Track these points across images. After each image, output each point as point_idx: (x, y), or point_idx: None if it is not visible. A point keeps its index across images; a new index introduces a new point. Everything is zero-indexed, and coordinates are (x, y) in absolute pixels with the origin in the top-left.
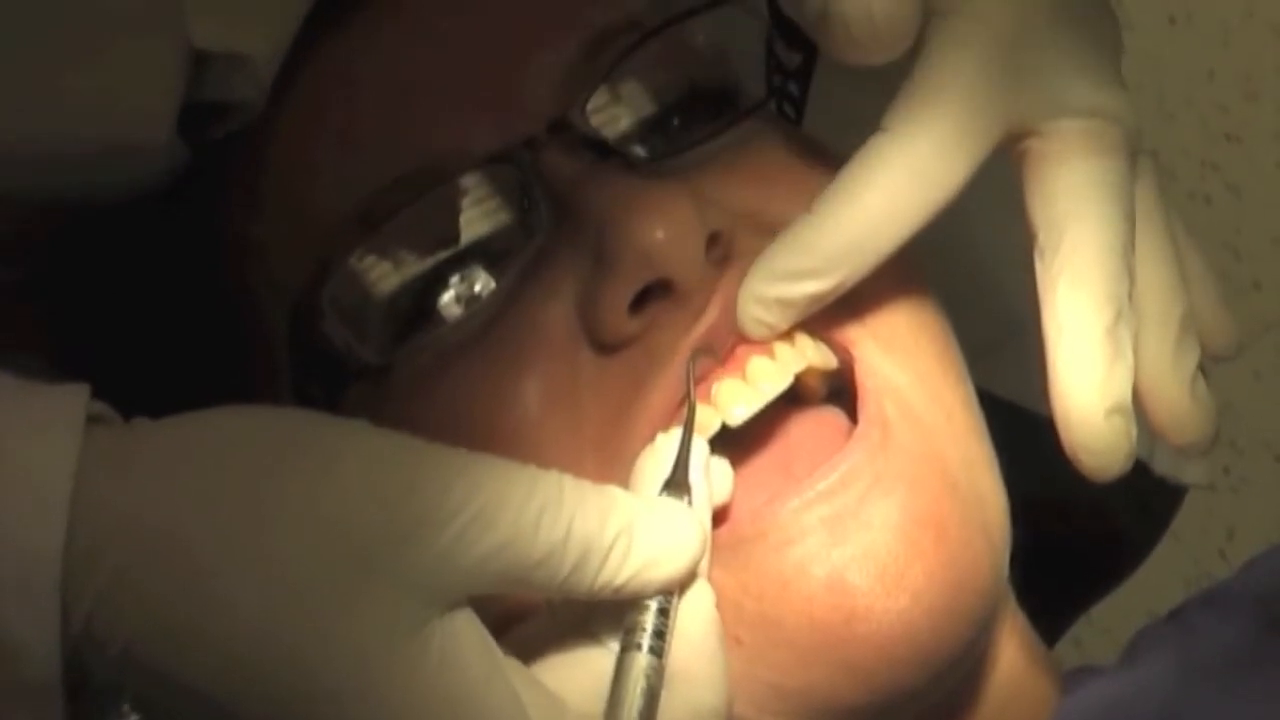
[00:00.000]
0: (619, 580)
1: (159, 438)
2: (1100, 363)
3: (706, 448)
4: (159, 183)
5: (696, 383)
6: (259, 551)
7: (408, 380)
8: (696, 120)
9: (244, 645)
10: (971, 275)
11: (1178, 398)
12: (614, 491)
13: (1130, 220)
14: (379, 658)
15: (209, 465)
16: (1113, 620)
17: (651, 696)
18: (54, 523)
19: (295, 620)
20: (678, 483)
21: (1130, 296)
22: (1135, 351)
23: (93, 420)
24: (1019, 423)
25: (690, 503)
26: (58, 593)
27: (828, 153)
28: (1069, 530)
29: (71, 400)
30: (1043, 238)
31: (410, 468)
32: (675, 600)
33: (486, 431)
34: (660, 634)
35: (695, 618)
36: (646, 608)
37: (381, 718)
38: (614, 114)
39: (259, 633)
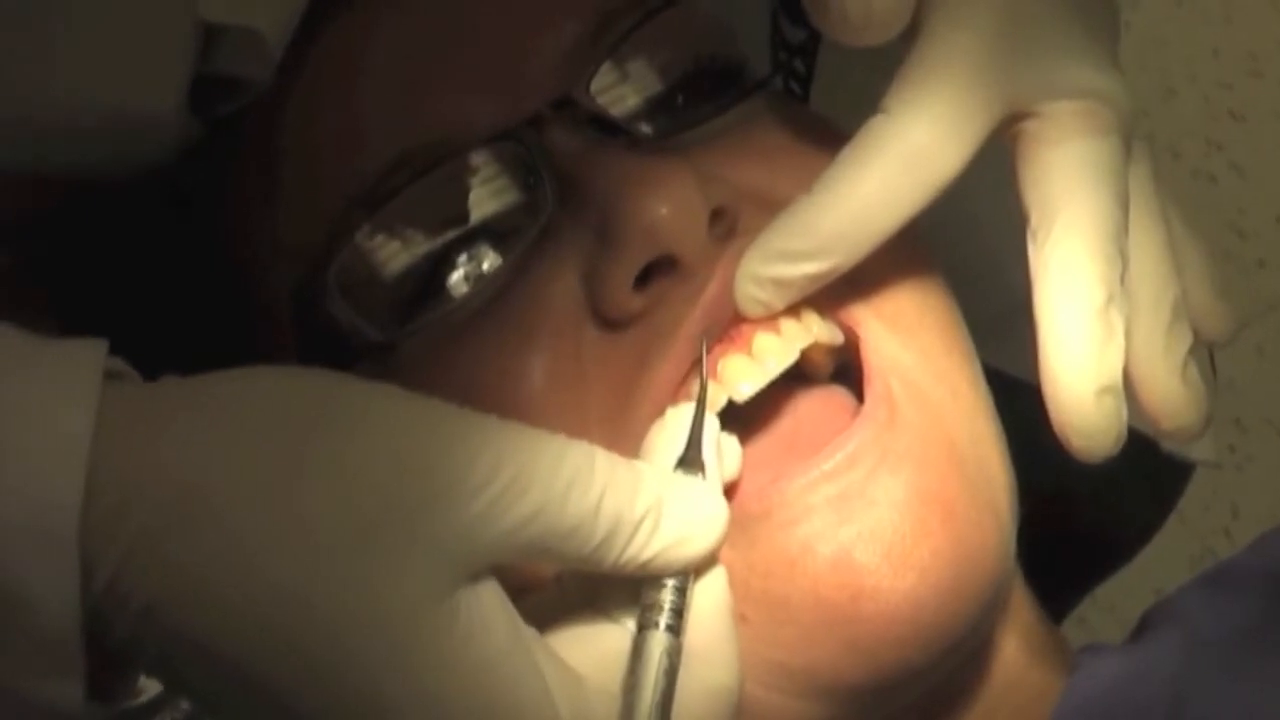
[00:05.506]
0: (644, 556)
1: (186, 395)
2: (1091, 343)
3: (718, 424)
4: (170, 157)
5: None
6: (289, 514)
7: (413, 358)
8: (702, 97)
9: (271, 609)
10: (979, 253)
11: (1168, 382)
12: (642, 467)
13: (1123, 203)
14: (408, 624)
15: (238, 424)
16: (1117, 598)
17: (672, 675)
18: (72, 472)
19: (324, 585)
20: (691, 460)
21: (1123, 280)
22: (1127, 336)
23: (111, 375)
24: (1027, 400)
25: (704, 480)
26: (76, 542)
27: (834, 130)
28: (1076, 508)
29: (89, 352)
30: (1035, 219)
31: (443, 433)
32: (691, 579)
33: (492, 408)
34: (678, 613)
35: (710, 597)
36: (664, 586)
37: (409, 684)
38: (619, 91)
39: (287, 597)
